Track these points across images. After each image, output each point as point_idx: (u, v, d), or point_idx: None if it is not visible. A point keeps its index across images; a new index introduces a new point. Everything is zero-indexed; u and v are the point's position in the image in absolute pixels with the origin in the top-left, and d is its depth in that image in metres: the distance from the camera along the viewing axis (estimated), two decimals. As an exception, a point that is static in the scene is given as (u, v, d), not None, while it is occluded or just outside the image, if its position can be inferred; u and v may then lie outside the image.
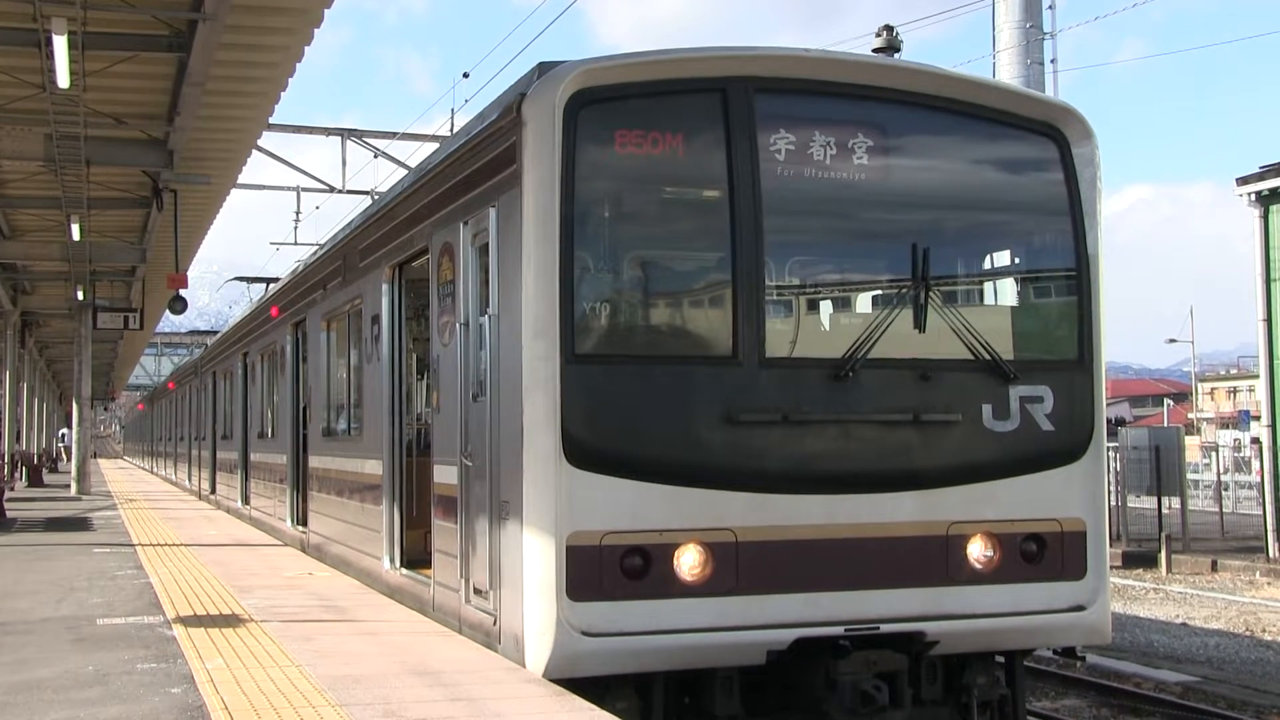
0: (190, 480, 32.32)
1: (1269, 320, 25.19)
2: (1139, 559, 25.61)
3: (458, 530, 8.40)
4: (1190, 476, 35.03)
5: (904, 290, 7.89)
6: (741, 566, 7.31)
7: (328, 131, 27.86)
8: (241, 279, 31.78)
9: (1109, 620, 8.25)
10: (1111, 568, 8.90)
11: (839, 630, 7.42)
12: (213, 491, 26.15)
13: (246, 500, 20.62)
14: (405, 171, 19.04)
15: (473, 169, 8.34)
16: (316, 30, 14.88)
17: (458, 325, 8.45)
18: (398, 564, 10.38)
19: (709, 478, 7.32)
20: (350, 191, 28.60)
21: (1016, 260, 8.70)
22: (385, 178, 28.95)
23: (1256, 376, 28.49)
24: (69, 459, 39.70)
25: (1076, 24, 24.50)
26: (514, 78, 8.17)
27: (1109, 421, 10.46)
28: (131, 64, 15.66)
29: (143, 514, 23.25)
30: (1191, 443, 44.52)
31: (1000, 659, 8.25)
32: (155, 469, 50.70)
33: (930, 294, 7.86)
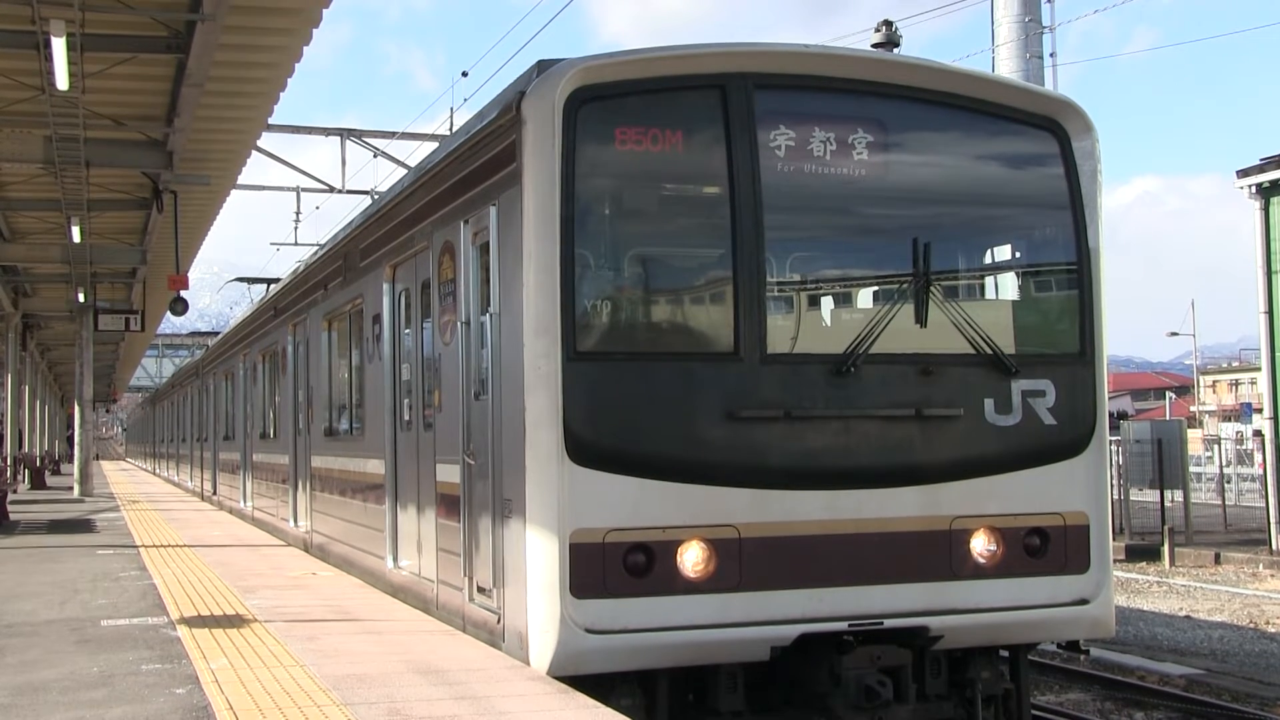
0: (192, 481, 32.35)
1: (1270, 312, 25.18)
2: (1142, 552, 25.61)
3: (460, 529, 8.40)
4: (1193, 469, 35.02)
5: (905, 285, 7.89)
6: (745, 563, 7.32)
7: (327, 131, 27.88)
8: (242, 280, 31.80)
9: (1112, 614, 8.25)
10: (1114, 561, 8.90)
11: (843, 626, 7.42)
12: (215, 492, 26.17)
13: (249, 500, 20.64)
14: (405, 171, 19.05)
15: (473, 168, 8.34)
16: (315, 30, 14.89)
17: (459, 324, 8.46)
18: (400, 563, 10.39)
19: (711, 474, 7.32)
20: (350, 191, 28.64)
21: (1017, 254, 8.70)
22: (385, 177, 29.00)
23: (1258, 369, 28.47)
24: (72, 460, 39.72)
25: (1085, 14, 24.43)
26: (513, 76, 8.17)
27: (1111, 415, 10.46)
28: (130, 65, 15.67)
29: (145, 515, 23.26)
30: (1194, 436, 44.48)
31: (1004, 653, 8.25)
32: (157, 470, 50.74)
33: (931, 289, 7.86)
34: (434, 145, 15.71)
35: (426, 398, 9.55)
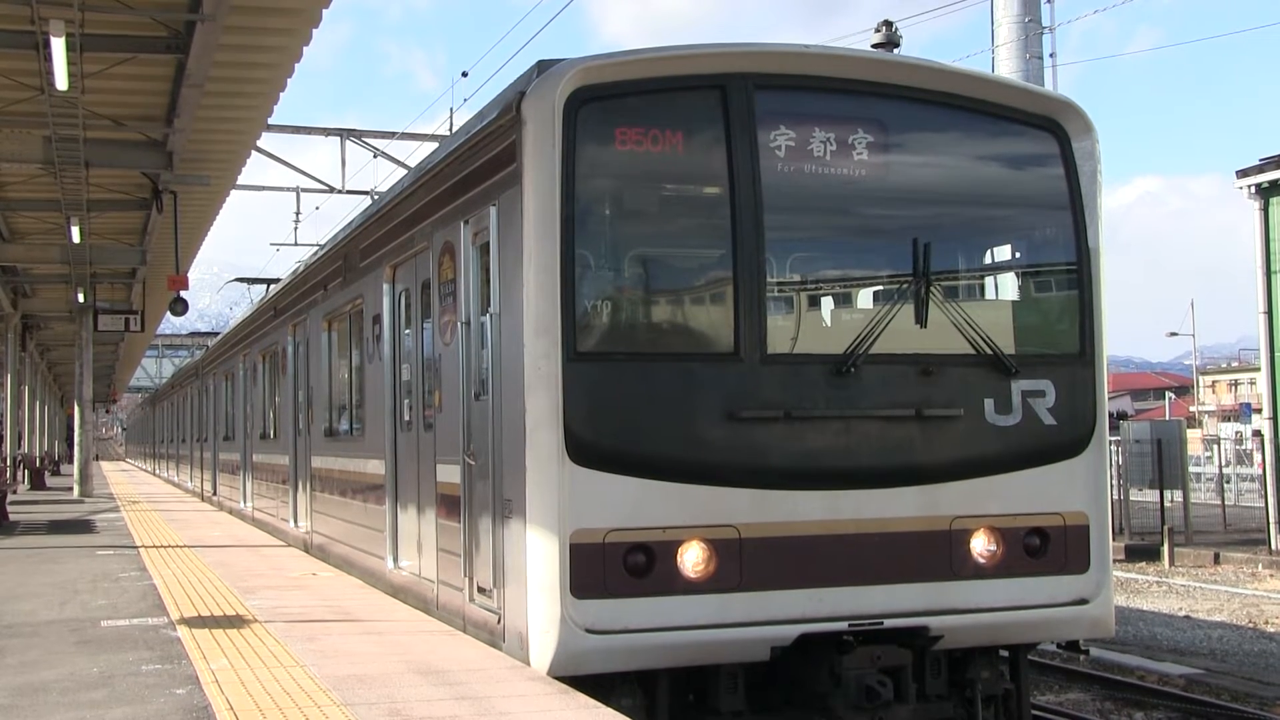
0: (192, 482, 32.35)
1: (1269, 312, 25.18)
2: (1142, 552, 25.62)
3: (461, 529, 8.41)
4: (1192, 469, 35.02)
5: (905, 285, 7.89)
6: (745, 563, 7.32)
7: (326, 132, 27.88)
8: (242, 280, 31.85)
9: (1112, 614, 8.25)
10: (1114, 561, 8.90)
11: (843, 626, 7.42)
12: (215, 493, 26.17)
13: (249, 501, 20.64)
14: (405, 171, 19.06)
15: (473, 168, 8.34)
16: (315, 30, 14.90)
17: (459, 324, 8.46)
18: (400, 563, 10.40)
19: (712, 475, 7.32)
20: (350, 192, 28.65)
21: (1017, 255, 8.71)
22: (385, 177, 28.99)
23: (1257, 369, 28.49)
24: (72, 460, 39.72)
25: (1085, 15, 24.32)
26: (513, 76, 8.17)
27: (1111, 415, 10.46)
28: (130, 66, 15.66)
29: (145, 516, 23.26)
30: (1193, 436, 44.49)
31: (1004, 653, 8.26)
32: (157, 471, 50.73)
33: (931, 289, 7.86)
34: (434, 145, 15.72)
35: (427, 398, 9.55)
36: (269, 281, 25.59)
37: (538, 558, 7.13)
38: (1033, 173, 8.47)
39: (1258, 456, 32.74)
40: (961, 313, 7.95)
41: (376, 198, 13.65)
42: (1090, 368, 8.28)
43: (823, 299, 8.52)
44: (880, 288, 8.37)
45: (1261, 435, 27.43)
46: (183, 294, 23.96)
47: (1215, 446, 41.40)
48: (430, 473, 9.30)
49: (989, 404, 7.93)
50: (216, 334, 38.00)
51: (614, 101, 7.38)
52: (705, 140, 7.61)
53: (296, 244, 32.57)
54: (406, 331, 10.31)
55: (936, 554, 7.73)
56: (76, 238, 23.78)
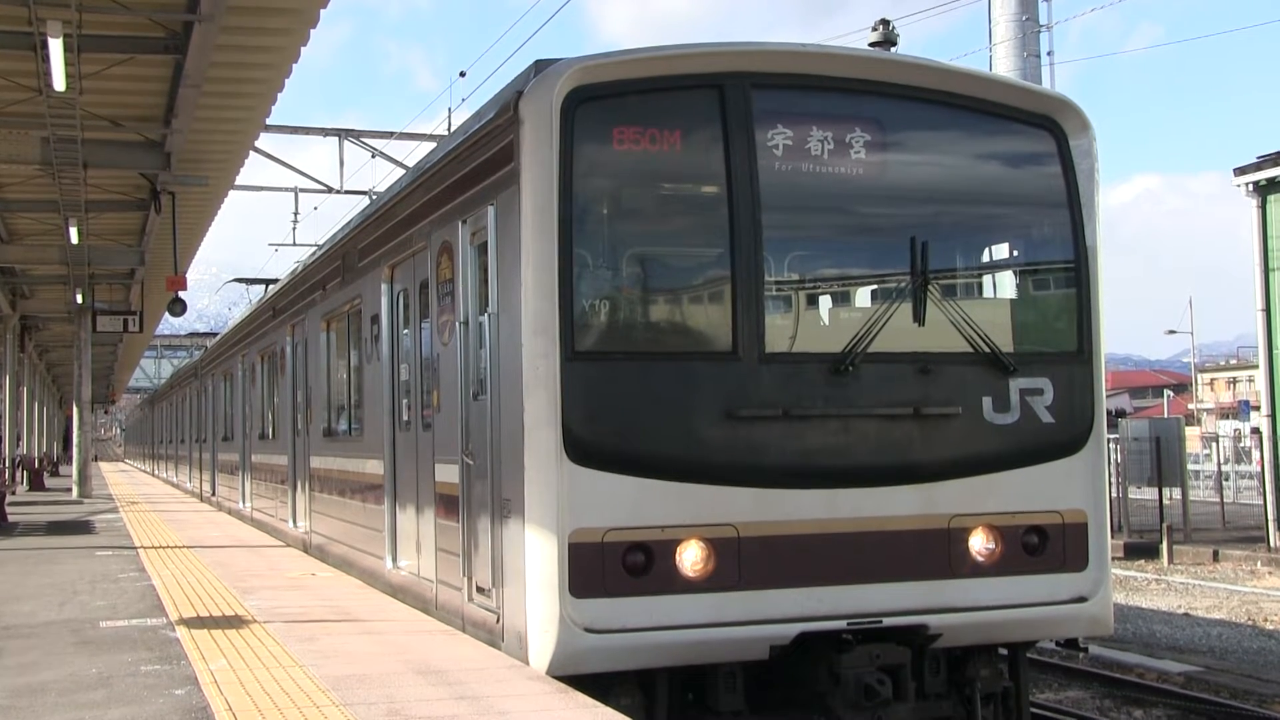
0: (191, 482, 32.34)
1: (1268, 310, 25.19)
2: (1140, 550, 25.61)
3: (459, 529, 8.41)
4: (1191, 467, 35.02)
5: (903, 284, 7.89)
6: (744, 562, 7.32)
7: (325, 132, 27.86)
8: (240, 280, 31.81)
9: (1111, 611, 8.26)
10: (1113, 559, 8.92)
11: (842, 624, 7.43)
12: (214, 493, 26.17)
13: (247, 501, 20.64)
14: (403, 171, 19.05)
15: (470, 167, 8.35)
16: (313, 31, 14.89)
17: (457, 324, 8.46)
18: (399, 563, 10.40)
19: (710, 474, 7.32)
20: (348, 191, 28.64)
21: (1015, 253, 8.71)
22: (383, 177, 28.99)
23: (1256, 367, 28.50)
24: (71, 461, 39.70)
25: (1083, 13, 24.28)
26: (512, 76, 8.18)
27: (1109, 413, 10.46)
28: (128, 66, 15.65)
29: (144, 516, 23.26)
30: (1192, 433, 44.47)
31: (1003, 651, 8.26)
32: (156, 471, 50.73)
33: (929, 287, 7.87)
34: (432, 145, 15.71)
35: (425, 398, 9.55)
36: (267, 282, 25.56)
37: (536, 557, 7.14)
38: (1030, 171, 8.48)
39: (1256, 454, 32.77)
40: (959, 311, 7.96)
41: (375, 198, 13.65)
42: (1088, 365, 8.28)
43: (821, 298, 8.52)
44: (878, 286, 8.37)
45: (1260, 433, 27.43)
46: (181, 294, 23.94)
47: (1214, 444, 41.43)
48: (429, 472, 9.30)
49: (987, 402, 7.93)
50: (215, 334, 38.02)
51: (611, 101, 7.39)
52: (703, 139, 7.61)
53: (295, 244, 32.58)
54: (405, 331, 10.31)
55: (935, 552, 7.73)
56: (75, 239, 23.77)
